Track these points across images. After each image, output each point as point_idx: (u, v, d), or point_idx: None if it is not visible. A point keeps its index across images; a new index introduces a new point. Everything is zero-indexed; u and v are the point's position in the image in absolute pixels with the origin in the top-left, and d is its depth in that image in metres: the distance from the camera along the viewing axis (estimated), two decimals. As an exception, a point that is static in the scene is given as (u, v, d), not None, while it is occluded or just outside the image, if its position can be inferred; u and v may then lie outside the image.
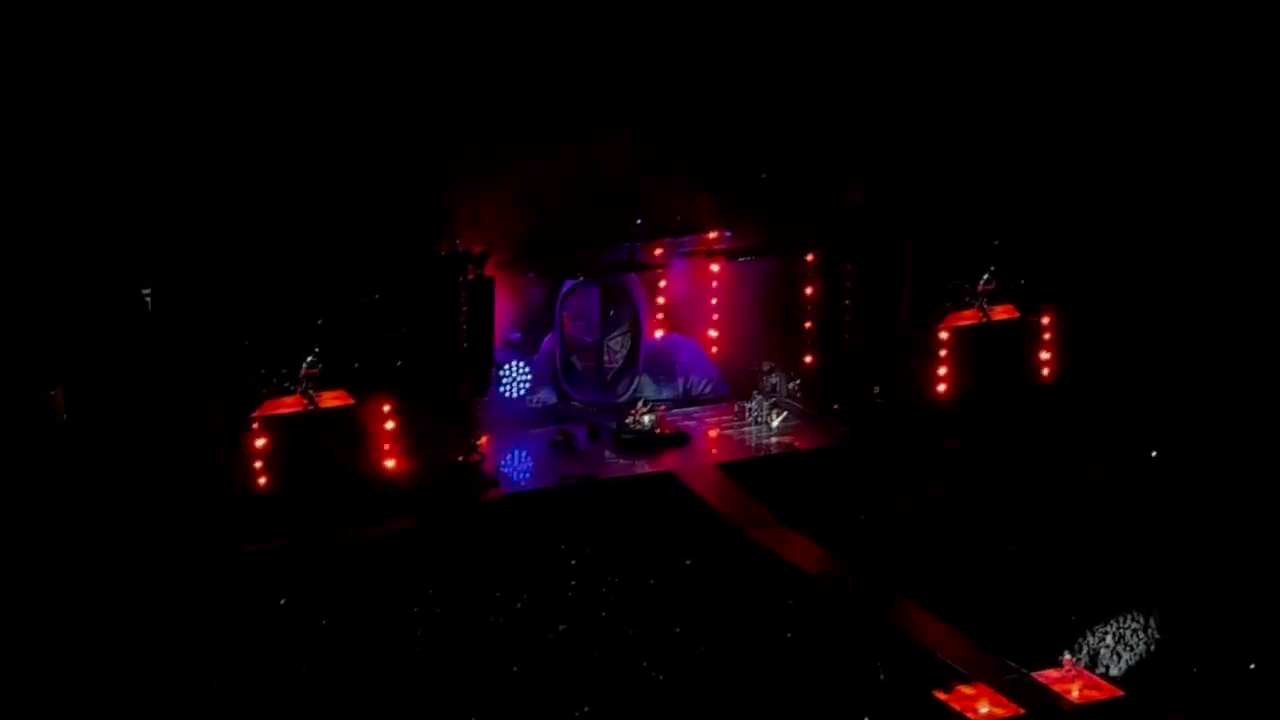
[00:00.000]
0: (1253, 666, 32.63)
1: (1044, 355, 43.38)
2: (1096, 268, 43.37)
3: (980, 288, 42.24)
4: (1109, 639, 33.34)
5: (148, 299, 37.13)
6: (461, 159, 39.71)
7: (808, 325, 43.92)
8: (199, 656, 33.23)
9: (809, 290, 43.81)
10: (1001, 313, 42.67)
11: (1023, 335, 43.32)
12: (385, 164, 38.30)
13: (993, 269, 42.02)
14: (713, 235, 43.60)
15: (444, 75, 38.73)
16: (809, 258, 43.76)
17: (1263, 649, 33.17)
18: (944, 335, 42.60)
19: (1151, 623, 33.95)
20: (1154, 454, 41.79)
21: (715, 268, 44.41)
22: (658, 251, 43.46)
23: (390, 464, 38.43)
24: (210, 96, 37.15)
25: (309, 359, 37.21)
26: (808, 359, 43.93)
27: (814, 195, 42.71)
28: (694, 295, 45.11)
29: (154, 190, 37.01)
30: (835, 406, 43.41)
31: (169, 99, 37.02)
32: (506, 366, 42.65)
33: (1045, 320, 43.22)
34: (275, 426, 37.47)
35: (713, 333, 45.34)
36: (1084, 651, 33.08)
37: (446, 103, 38.82)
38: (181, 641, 33.78)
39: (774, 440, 42.98)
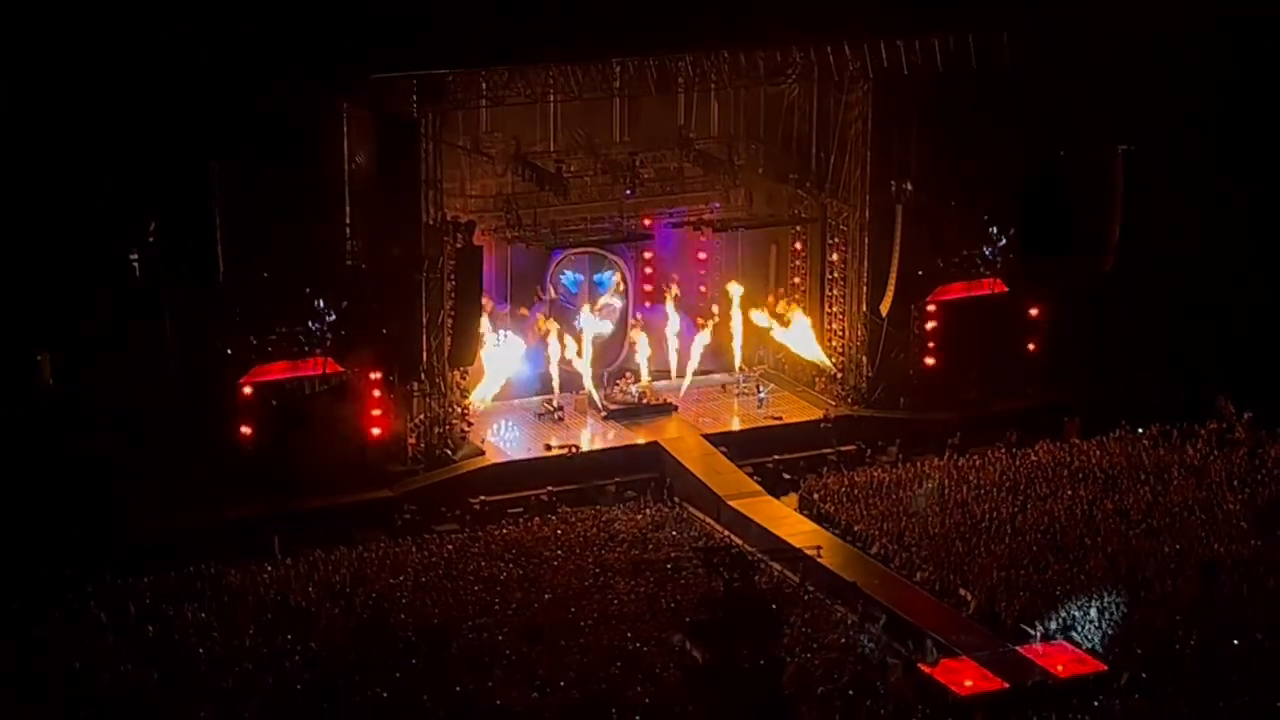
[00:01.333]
0: (1235, 643, 32.68)
1: (1031, 332, 43.45)
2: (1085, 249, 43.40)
3: (995, 247, 42.30)
4: (1092, 612, 33.38)
5: (135, 264, 37.05)
6: (450, 129, 39.63)
7: (795, 296, 44.08)
8: (185, 620, 33.30)
9: (797, 262, 43.96)
10: (989, 286, 42.64)
11: (1011, 312, 43.35)
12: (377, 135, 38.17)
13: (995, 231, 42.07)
14: (701, 206, 43.54)
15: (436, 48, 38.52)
16: (797, 229, 43.83)
17: (1243, 625, 33.27)
18: (931, 308, 42.64)
19: (1136, 597, 34.02)
20: (1140, 430, 41.90)
21: (704, 239, 44.33)
22: (646, 222, 43.40)
23: (376, 431, 38.42)
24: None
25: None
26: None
27: (804, 165, 42.68)
28: (682, 266, 45.03)
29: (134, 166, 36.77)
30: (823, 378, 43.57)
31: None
32: (495, 335, 42.54)
33: (1034, 297, 43.29)
34: (266, 393, 37.49)
35: (700, 304, 45.30)
36: (1059, 624, 33.11)
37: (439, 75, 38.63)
38: (166, 604, 33.85)
39: (760, 413, 42.97)
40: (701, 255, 44.90)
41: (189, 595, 34.29)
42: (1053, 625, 33.13)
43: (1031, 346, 43.35)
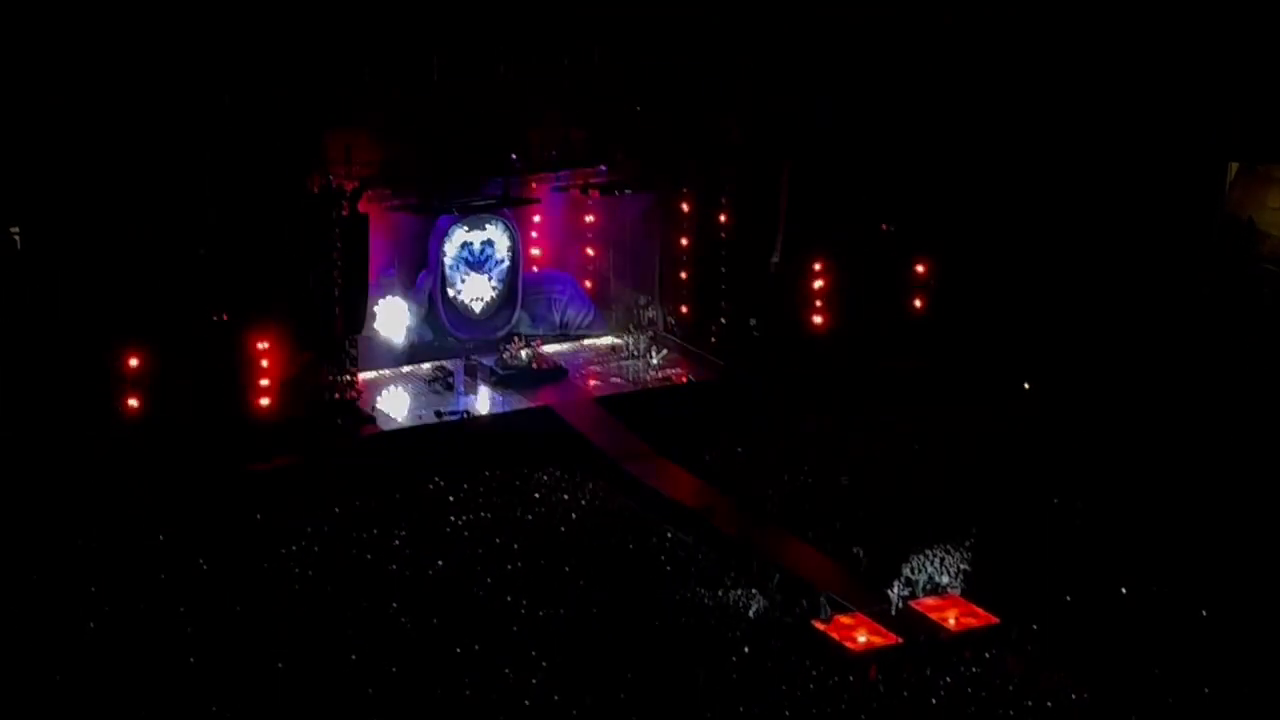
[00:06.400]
0: (1124, 590, 33.07)
1: (919, 291, 43.73)
2: (970, 207, 43.75)
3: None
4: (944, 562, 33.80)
5: (16, 238, 36.71)
6: (334, 96, 39.41)
7: (684, 258, 44.14)
8: (74, 598, 32.93)
9: (685, 224, 43.98)
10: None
11: (898, 270, 43.66)
12: (257, 101, 37.87)
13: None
14: (588, 170, 43.42)
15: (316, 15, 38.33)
16: (685, 190, 43.81)
17: (1130, 574, 33.67)
18: (818, 267, 42.87)
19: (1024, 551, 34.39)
20: (1026, 386, 42.22)
21: (591, 202, 44.28)
22: (533, 186, 43.27)
23: (265, 401, 38.17)
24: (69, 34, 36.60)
25: None
26: (684, 292, 44.20)
27: (690, 127, 42.64)
28: (570, 230, 45.05)
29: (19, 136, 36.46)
30: (713, 340, 43.60)
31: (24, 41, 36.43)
32: (381, 303, 42.40)
33: (921, 257, 43.65)
34: (151, 363, 37.16)
35: (589, 267, 45.33)
36: (923, 575, 33.50)
37: (319, 41, 38.44)
38: (55, 582, 33.48)
39: (652, 374, 43.02)
40: (589, 219, 44.89)
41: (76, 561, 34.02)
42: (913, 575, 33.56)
43: (919, 304, 43.70)
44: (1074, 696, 29.93)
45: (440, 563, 34.41)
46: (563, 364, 43.26)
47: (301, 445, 38.40)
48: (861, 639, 31.78)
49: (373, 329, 41.66)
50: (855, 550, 34.64)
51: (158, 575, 33.70)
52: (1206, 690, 30.06)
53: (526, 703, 29.83)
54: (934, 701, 30.02)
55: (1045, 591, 33.06)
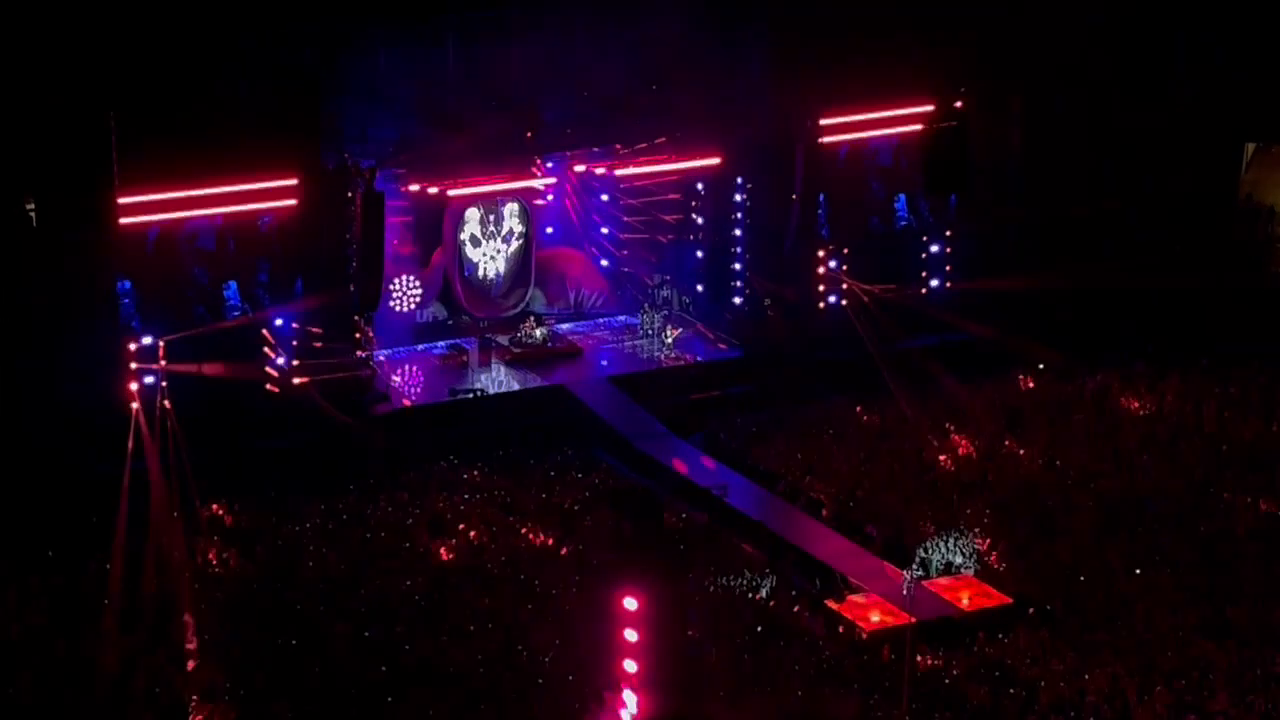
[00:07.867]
0: (1138, 572, 33.07)
1: (933, 269, 43.77)
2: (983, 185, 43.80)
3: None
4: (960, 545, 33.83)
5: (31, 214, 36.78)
6: (350, 71, 39.47)
7: (699, 237, 44.15)
8: (96, 569, 33.00)
9: (701, 202, 43.94)
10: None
11: (912, 250, 43.70)
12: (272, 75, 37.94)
13: None
14: (604, 147, 43.37)
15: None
16: (701, 169, 43.73)
17: (1139, 555, 33.72)
18: (833, 246, 42.88)
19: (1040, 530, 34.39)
20: (1041, 366, 42.15)
21: (607, 180, 44.21)
22: (549, 165, 43.25)
23: (279, 376, 38.24)
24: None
25: None
26: (699, 271, 44.21)
27: (708, 105, 42.58)
28: (585, 208, 45.01)
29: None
30: (727, 318, 43.62)
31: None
32: (396, 281, 42.42)
33: (935, 236, 43.69)
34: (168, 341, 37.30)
35: (604, 246, 45.31)
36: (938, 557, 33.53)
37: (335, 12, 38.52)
38: (76, 557, 33.55)
39: (666, 353, 43.01)
40: (604, 197, 44.86)
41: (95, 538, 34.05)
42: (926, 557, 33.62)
43: (933, 282, 43.71)
44: (1086, 677, 29.95)
45: (453, 541, 34.46)
46: (577, 343, 43.28)
47: (315, 422, 38.46)
48: (875, 618, 31.81)
49: (388, 307, 41.67)
50: (868, 529, 34.68)
51: (170, 551, 33.81)
52: (1214, 673, 30.12)
53: (540, 681, 29.93)
54: (946, 681, 30.07)
55: (1059, 572, 33.09)
